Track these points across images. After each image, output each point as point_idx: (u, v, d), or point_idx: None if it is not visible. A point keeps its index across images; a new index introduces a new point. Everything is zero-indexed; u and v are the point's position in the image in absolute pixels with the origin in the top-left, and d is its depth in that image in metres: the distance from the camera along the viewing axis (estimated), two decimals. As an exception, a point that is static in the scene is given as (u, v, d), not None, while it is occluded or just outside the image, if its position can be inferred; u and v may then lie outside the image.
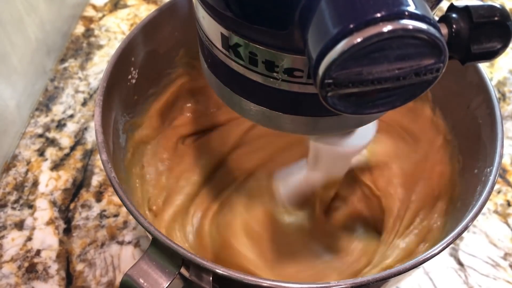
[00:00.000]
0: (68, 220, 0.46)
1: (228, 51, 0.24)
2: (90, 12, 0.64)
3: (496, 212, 0.47)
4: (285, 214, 0.42)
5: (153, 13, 0.38)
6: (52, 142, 0.51)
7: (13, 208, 0.47)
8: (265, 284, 0.26)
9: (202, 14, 0.24)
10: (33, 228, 0.45)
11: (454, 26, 0.20)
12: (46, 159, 0.50)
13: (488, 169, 0.32)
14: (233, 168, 0.46)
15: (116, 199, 0.47)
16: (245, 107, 0.27)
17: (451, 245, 0.42)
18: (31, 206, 0.47)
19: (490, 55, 0.21)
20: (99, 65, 0.58)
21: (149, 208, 0.40)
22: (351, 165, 0.40)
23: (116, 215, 0.46)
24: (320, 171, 0.38)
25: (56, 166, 0.50)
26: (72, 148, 0.51)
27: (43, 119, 0.53)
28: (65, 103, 0.54)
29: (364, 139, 0.33)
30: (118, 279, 0.43)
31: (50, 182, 0.48)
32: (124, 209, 0.46)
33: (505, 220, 0.47)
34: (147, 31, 0.38)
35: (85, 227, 0.45)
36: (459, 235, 0.28)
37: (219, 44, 0.24)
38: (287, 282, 0.26)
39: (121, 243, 0.45)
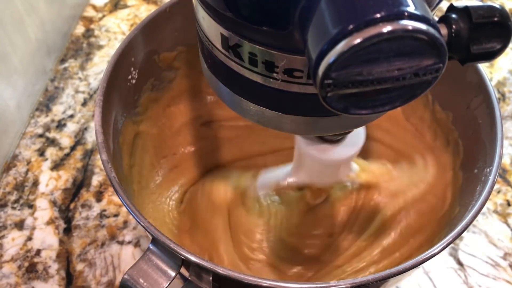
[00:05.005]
0: (68, 220, 0.46)
1: (228, 51, 0.24)
2: (90, 12, 0.64)
3: (496, 212, 0.47)
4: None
5: (153, 13, 0.38)
6: (52, 142, 0.51)
7: (13, 208, 0.47)
8: (265, 284, 0.26)
9: (202, 15, 0.24)
10: (33, 228, 0.45)
11: (453, 26, 0.20)
12: (46, 159, 0.50)
13: (488, 169, 0.32)
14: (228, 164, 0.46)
15: (116, 199, 0.47)
16: (245, 107, 0.27)
17: (451, 245, 0.42)
18: (31, 206, 0.47)
19: (490, 56, 0.21)
20: (99, 65, 0.58)
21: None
22: (342, 176, 0.39)
23: (116, 215, 0.46)
24: (304, 177, 0.37)
25: (56, 166, 0.50)
26: (72, 148, 0.51)
27: (43, 119, 0.53)
28: (65, 103, 0.54)
29: (350, 149, 0.32)
30: (118, 279, 0.43)
31: (50, 182, 0.48)
32: (124, 209, 0.47)
33: (505, 220, 0.47)
34: (147, 31, 0.38)
35: (85, 227, 0.45)
36: (459, 235, 0.28)
37: (219, 45, 0.24)
38: (287, 282, 0.26)
39: (121, 243, 0.45)
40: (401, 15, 0.17)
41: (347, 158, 0.33)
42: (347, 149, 0.32)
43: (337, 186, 0.41)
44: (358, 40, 0.17)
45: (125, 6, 0.65)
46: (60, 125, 0.53)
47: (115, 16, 0.63)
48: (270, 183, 0.41)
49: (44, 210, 0.47)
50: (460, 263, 0.44)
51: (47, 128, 0.52)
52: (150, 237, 0.29)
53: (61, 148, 0.51)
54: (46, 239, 0.45)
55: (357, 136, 0.32)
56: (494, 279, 0.43)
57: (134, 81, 0.38)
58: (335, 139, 0.32)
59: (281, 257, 0.41)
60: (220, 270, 0.26)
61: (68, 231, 0.45)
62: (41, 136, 0.52)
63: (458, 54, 0.21)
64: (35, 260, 0.44)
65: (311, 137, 0.33)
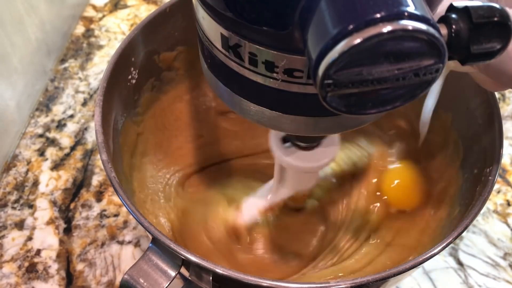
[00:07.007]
0: (68, 220, 0.46)
1: (228, 51, 0.24)
2: (90, 12, 0.64)
3: (496, 212, 0.47)
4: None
5: (153, 13, 0.38)
6: (52, 142, 0.51)
7: (14, 208, 0.47)
8: (265, 284, 0.26)
9: (202, 15, 0.24)
10: (34, 228, 0.45)
11: (453, 26, 0.20)
12: (46, 159, 0.50)
13: (488, 169, 0.32)
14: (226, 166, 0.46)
15: (116, 199, 0.47)
16: (245, 107, 0.27)
17: (451, 245, 0.42)
18: (31, 206, 0.47)
19: (490, 56, 0.21)
20: (99, 65, 0.58)
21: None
22: (317, 178, 0.40)
23: (116, 215, 0.46)
24: (287, 187, 0.38)
25: (56, 166, 0.50)
26: (72, 148, 0.51)
27: (43, 119, 0.53)
28: (65, 103, 0.54)
29: (329, 155, 0.33)
30: (118, 279, 0.43)
31: (50, 182, 0.48)
32: (124, 209, 0.47)
33: (505, 220, 0.47)
34: (147, 31, 0.38)
35: (85, 227, 0.45)
36: (458, 235, 0.28)
37: (219, 45, 0.24)
38: (287, 282, 0.26)
39: (121, 243, 0.45)
40: (401, 15, 0.17)
41: (328, 162, 0.34)
42: (326, 153, 0.33)
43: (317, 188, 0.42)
44: (358, 40, 0.17)
45: (125, 6, 0.65)
46: (60, 125, 0.53)
47: (115, 16, 0.63)
48: (255, 209, 0.41)
49: (44, 210, 0.47)
50: (460, 263, 0.44)
51: (47, 128, 0.52)
52: (150, 237, 0.29)
53: (61, 148, 0.51)
54: (46, 239, 0.45)
55: (332, 140, 0.33)
56: (494, 279, 0.43)
57: (134, 81, 0.38)
58: (312, 146, 0.33)
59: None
60: (220, 270, 0.26)
61: (68, 231, 0.45)
62: (41, 136, 0.52)
63: (458, 54, 0.21)
64: (35, 260, 0.44)
65: (289, 148, 0.33)
